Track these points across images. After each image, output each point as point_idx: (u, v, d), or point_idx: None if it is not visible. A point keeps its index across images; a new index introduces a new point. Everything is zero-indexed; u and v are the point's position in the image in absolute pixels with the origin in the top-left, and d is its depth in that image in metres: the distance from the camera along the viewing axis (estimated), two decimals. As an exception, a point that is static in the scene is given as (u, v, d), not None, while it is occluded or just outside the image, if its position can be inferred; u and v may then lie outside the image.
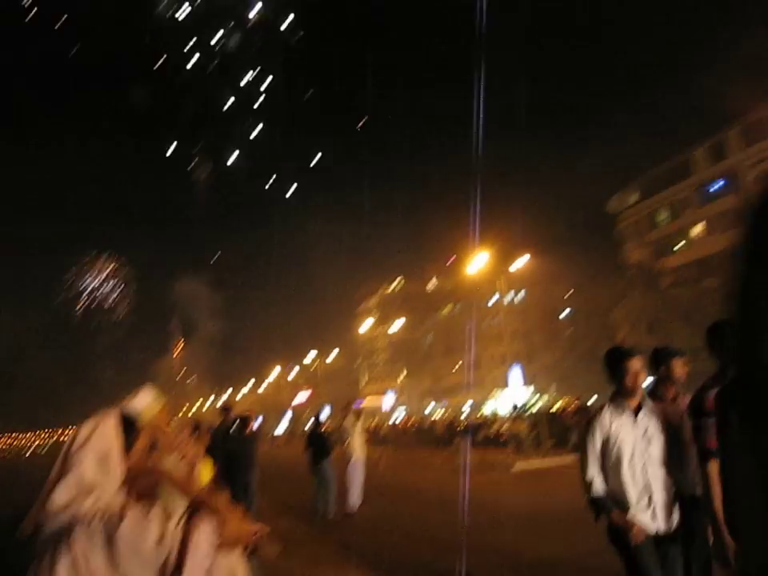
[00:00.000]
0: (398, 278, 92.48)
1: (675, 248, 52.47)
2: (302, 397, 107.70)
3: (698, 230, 50.86)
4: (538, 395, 56.12)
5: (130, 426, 2.08)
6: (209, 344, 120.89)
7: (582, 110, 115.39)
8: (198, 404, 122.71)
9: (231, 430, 10.88)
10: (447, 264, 77.58)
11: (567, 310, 64.48)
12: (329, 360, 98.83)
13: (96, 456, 1.91)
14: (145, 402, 2.28)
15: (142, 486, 2.01)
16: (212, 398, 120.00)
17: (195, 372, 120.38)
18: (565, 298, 67.07)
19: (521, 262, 44.35)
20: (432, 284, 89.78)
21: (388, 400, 72.24)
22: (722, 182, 48.89)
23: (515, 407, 30.73)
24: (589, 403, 30.87)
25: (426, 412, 70.29)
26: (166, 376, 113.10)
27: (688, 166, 51.17)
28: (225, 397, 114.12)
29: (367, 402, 75.00)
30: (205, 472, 3.99)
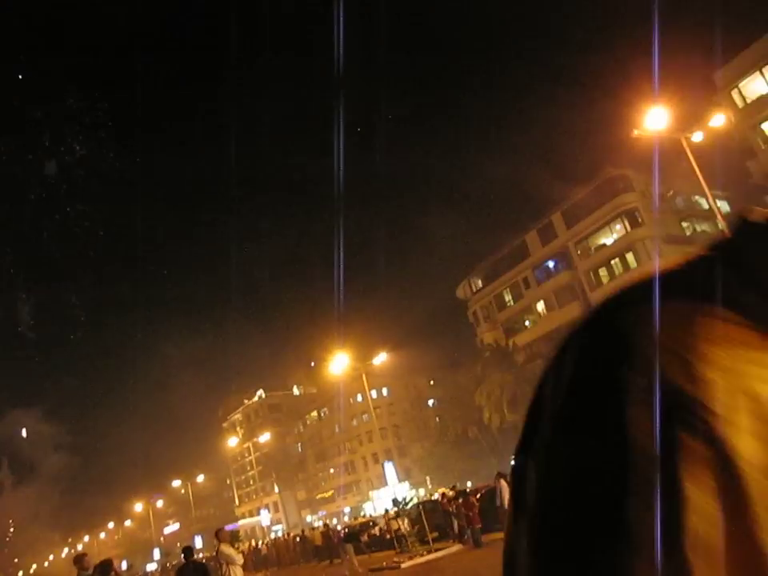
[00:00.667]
0: (260, 390, 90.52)
1: (524, 325, 55.31)
2: (171, 529, 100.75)
3: (541, 306, 54.01)
4: (414, 489, 55.78)
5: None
6: (55, 487, 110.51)
7: (422, 206, 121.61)
8: (50, 557, 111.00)
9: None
10: (309, 368, 77.16)
11: (432, 400, 65.49)
12: (198, 482, 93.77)
13: None
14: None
15: None
16: (66, 549, 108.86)
17: (39, 522, 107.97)
18: (429, 387, 68.31)
19: (381, 359, 44.96)
20: (296, 391, 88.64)
21: (264, 518, 69.06)
22: (554, 261, 52.63)
23: (394, 505, 30.30)
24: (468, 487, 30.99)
25: (306, 523, 67.69)
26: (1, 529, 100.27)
27: (523, 248, 54.79)
28: (81, 545, 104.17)
29: (243, 524, 71.26)
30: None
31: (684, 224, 47.68)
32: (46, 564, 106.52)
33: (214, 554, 13.66)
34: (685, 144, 22.01)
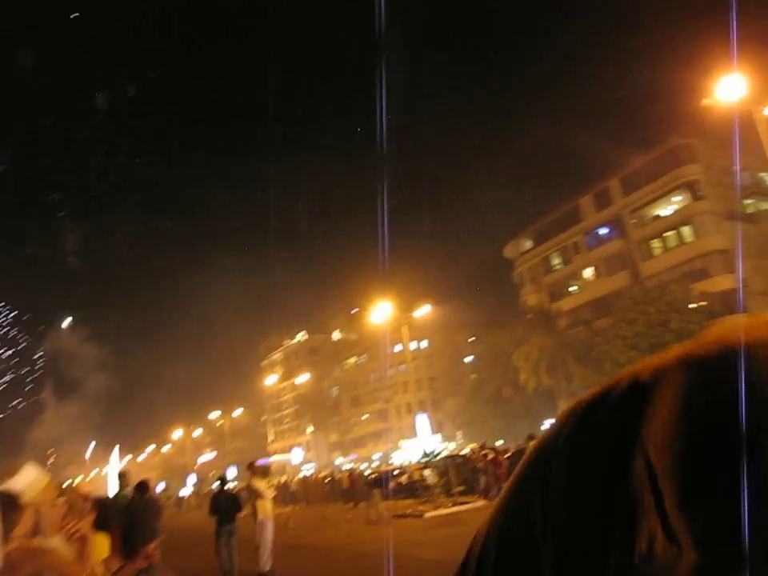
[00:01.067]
0: (302, 331, 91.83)
1: (569, 290, 54.72)
2: (207, 457, 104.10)
3: (588, 273, 53.26)
4: (445, 443, 56.41)
5: (10, 507, 1.88)
6: (96, 407, 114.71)
7: (474, 159, 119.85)
8: (93, 473, 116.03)
9: (130, 498, 10.31)
10: (351, 314, 77.86)
11: (470, 357, 65.61)
12: (235, 416, 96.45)
13: None
14: (26, 479, 2.08)
15: (25, 574, 1.82)
16: (107, 465, 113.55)
17: (80, 440, 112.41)
18: (468, 343, 68.41)
19: (423, 311, 45.14)
20: (336, 335, 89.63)
21: (296, 456, 70.89)
22: (607, 228, 51.62)
23: (424, 456, 30.77)
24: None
25: (336, 465, 69.26)
26: (43, 444, 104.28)
27: (576, 212, 53.82)
28: (122, 463, 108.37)
29: (275, 459, 73.24)
30: (100, 546, 3.74)
31: (747, 201, 46.12)
32: (90, 478, 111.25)
33: (246, 485, 14.18)
34: (756, 116, 21.17)
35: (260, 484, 12.84)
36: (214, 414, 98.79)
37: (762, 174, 43.59)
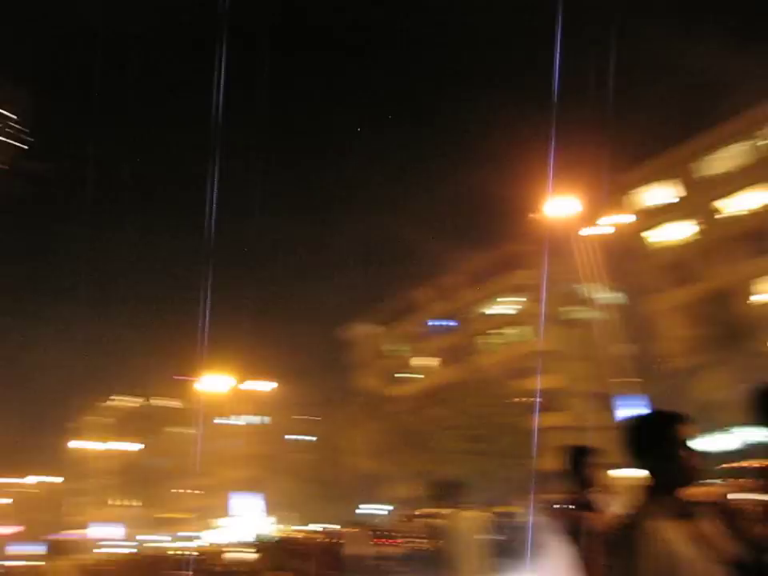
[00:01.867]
0: (128, 395, 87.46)
1: (405, 377, 56.35)
2: (5, 530, 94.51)
3: (423, 362, 55.30)
4: (271, 524, 55.00)
5: None
6: None
7: (319, 237, 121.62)
8: None
9: None
10: (185, 382, 75.23)
11: (305, 437, 65.05)
12: (45, 482, 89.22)
13: None
14: None
15: None
16: None
17: None
18: (302, 422, 67.92)
19: (261, 386, 44.65)
20: (164, 402, 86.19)
21: (105, 530, 66.10)
22: (446, 320, 54.25)
23: (246, 537, 29.91)
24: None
25: (150, 541, 65.21)
26: None
27: (416, 302, 56.21)
28: None
29: (79, 534, 67.78)
30: None
31: (566, 308, 50.13)
32: None
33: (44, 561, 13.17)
34: (572, 236, 23.64)
35: (59, 561, 12.02)
36: (25, 480, 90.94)
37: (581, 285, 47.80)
